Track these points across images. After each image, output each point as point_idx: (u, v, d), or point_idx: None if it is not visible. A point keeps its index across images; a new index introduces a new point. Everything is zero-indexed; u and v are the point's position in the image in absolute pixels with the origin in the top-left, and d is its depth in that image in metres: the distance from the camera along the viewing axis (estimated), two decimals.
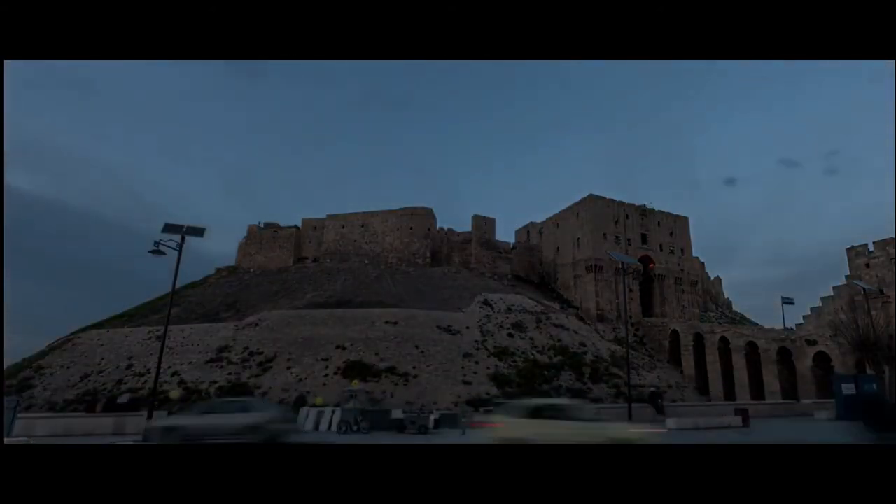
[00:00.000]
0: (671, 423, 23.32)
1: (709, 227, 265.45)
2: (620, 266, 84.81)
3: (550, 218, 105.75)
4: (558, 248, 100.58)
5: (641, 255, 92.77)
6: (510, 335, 71.79)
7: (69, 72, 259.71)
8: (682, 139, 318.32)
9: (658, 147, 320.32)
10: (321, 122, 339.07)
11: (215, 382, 56.52)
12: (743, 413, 25.54)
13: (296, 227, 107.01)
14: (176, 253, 24.60)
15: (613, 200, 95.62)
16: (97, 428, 20.80)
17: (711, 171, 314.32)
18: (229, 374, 58.18)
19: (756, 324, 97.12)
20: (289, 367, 58.91)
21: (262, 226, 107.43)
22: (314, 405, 26.11)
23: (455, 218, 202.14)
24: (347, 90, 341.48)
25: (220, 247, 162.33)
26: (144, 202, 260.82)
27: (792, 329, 67.25)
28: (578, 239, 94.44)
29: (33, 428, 19.73)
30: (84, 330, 75.66)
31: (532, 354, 68.55)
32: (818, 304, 65.91)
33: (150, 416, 17.39)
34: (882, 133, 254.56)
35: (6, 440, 13.58)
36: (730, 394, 67.47)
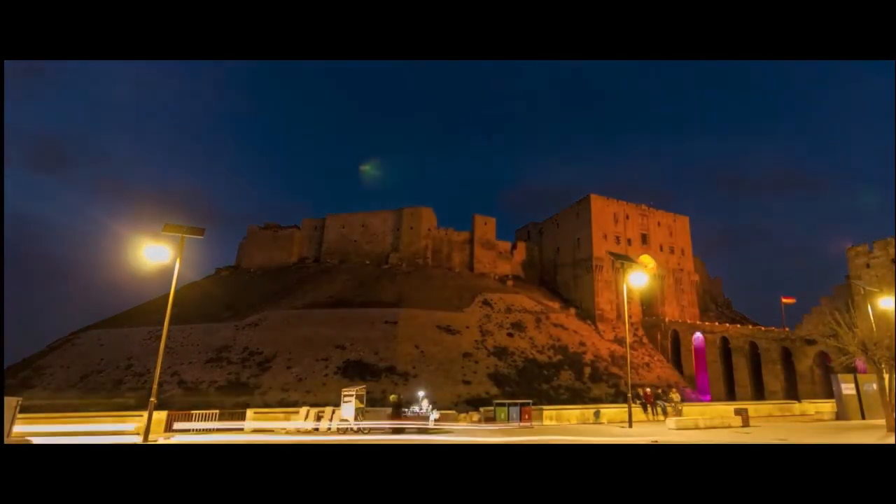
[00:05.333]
0: (671, 423, 23.30)
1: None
2: (620, 266, 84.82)
3: (550, 218, 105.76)
4: (558, 248, 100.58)
5: (641, 254, 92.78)
6: (510, 335, 71.82)
7: (67, 70, 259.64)
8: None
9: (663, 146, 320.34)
10: (322, 121, 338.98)
11: (215, 382, 56.55)
12: (743, 413, 25.48)
13: (296, 227, 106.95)
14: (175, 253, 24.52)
15: (613, 200, 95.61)
16: (97, 428, 20.81)
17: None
18: (229, 373, 58.22)
19: (756, 324, 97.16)
20: (289, 367, 58.94)
21: (262, 226, 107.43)
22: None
23: (455, 218, 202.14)
24: (348, 90, 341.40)
25: (220, 247, 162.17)
26: (144, 202, 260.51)
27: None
28: (578, 239, 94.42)
29: (33, 428, 19.70)
30: (84, 330, 75.67)
31: (532, 354, 68.59)
32: (819, 304, 65.87)
33: (150, 417, 17.36)
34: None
35: (6, 440, 13.56)
36: (730, 394, 67.52)
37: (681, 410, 28.66)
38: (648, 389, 33.41)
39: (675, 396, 31.52)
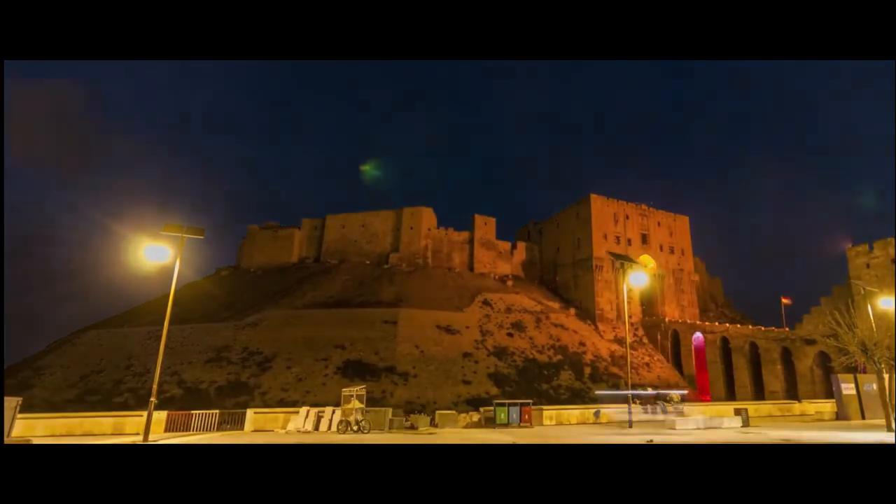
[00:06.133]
0: (671, 423, 23.32)
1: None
2: (620, 266, 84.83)
3: (550, 218, 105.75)
4: (558, 248, 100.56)
5: (641, 254, 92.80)
6: (510, 335, 71.82)
7: (72, 70, 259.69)
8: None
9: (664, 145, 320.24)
10: (322, 121, 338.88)
11: (215, 382, 56.55)
12: (743, 413, 25.51)
13: (296, 227, 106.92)
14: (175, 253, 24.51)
15: (613, 200, 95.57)
16: (97, 428, 20.85)
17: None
18: (229, 373, 58.21)
19: (756, 324, 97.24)
20: (288, 367, 58.93)
21: (262, 226, 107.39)
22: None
23: (455, 218, 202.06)
24: (349, 90, 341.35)
25: (220, 247, 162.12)
26: (145, 202, 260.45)
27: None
28: (578, 239, 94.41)
29: (33, 428, 19.74)
30: (84, 330, 75.66)
31: (532, 354, 68.60)
32: (819, 303, 65.91)
33: (149, 417, 17.38)
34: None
35: (6, 440, 13.57)
36: (730, 394, 67.57)
37: (681, 410, 28.71)
38: (650, 389, 33.47)
39: (675, 397, 31.57)
